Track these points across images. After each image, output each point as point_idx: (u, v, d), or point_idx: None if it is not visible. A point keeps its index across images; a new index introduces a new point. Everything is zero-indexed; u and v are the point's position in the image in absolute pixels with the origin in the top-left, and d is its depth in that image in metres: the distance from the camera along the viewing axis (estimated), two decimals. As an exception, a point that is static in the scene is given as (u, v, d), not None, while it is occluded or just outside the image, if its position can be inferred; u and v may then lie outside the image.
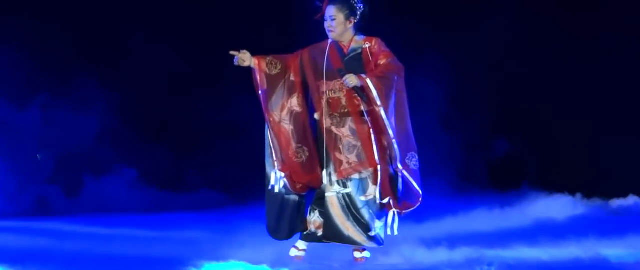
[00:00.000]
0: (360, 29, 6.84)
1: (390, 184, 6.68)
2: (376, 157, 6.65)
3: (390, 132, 6.60)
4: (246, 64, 6.80)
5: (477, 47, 11.20)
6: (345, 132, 6.74)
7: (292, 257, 6.86)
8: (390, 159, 6.66)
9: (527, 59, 11.44)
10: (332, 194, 6.74)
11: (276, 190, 6.80)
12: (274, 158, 6.80)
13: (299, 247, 6.89)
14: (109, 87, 11.12)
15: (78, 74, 11.10)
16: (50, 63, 11.11)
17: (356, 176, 6.71)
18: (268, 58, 6.86)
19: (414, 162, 6.71)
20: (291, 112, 6.85)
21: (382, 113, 6.58)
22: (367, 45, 6.78)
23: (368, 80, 6.58)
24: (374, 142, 6.66)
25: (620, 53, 11.15)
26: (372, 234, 6.69)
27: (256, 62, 6.81)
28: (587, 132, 11.27)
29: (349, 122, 6.73)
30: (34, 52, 10.92)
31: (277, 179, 6.80)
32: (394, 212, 6.69)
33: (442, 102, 10.86)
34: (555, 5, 11.42)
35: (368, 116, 6.67)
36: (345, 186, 6.73)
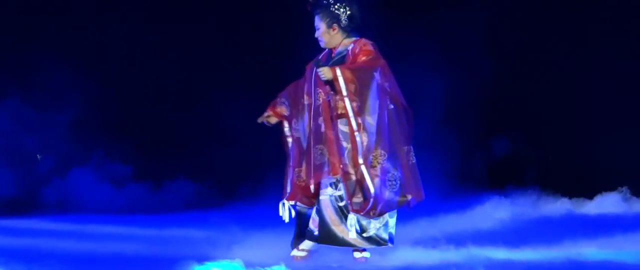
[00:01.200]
0: (354, 30, 6.82)
1: (359, 186, 6.64)
2: (338, 160, 6.63)
3: (354, 124, 6.55)
4: (275, 120, 6.88)
5: (477, 45, 11.19)
6: (331, 135, 6.69)
7: (293, 257, 6.86)
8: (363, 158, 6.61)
9: (528, 58, 11.43)
10: (325, 196, 6.72)
11: (286, 220, 6.87)
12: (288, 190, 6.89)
13: (300, 248, 6.89)
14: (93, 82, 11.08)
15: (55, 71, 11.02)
16: (22, 59, 11.03)
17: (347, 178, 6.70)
18: (278, 100, 6.93)
19: (380, 160, 6.61)
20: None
21: (348, 104, 6.54)
22: (350, 47, 6.75)
23: (337, 70, 6.55)
24: (336, 146, 6.64)
25: (621, 52, 11.14)
26: (367, 235, 6.67)
27: (271, 112, 6.91)
28: (588, 131, 11.26)
29: (335, 125, 6.69)
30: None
31: (284, 210, 6.88)
32: (353, 215, 6.65)
33: (441, 101, 10.83)
34: (555, 4, 11.41)
35: (340, 118, 6.67)
36: (337, 188, 6.73)
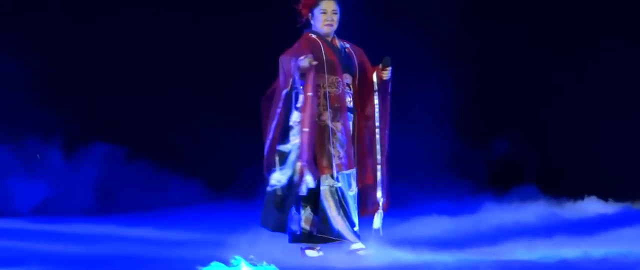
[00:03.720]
0: None
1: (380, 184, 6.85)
2: (377, 155, 6.78)
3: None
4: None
5: (478, 46, 11.21)
6: (339, 126, 6.76)
7: (311, 257, 6.85)
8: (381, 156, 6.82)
9: (528, 58, 11.45)
10: (326, 187, 6.75)
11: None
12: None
13: (315, 248, 6.89)
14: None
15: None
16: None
17: (345, 171, 6.75)
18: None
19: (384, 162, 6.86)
20: None
21: (388, 104, 6.81)
22: (347, 45, 6.91)
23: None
24: (355, 141, 6.81)
25: (622, 53, 11.16)
26: (356, 229, 6.78)
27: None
28: (588, 132, 11.27)
29: (344, 118, 6.77)
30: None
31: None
32: (380, 212, 6.83)
33: (441, 101, 10.86)
34: (556, 5, 11.43)
35: (363, 112, 6.84)
36: (336, 180, 6.76)
